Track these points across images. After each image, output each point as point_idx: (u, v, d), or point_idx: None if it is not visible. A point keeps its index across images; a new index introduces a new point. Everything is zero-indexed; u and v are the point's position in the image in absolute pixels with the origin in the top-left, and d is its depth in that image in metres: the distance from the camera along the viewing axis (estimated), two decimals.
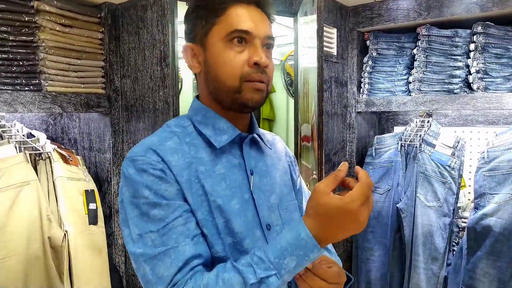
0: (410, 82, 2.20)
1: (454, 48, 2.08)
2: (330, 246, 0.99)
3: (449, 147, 2.13)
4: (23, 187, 1.37)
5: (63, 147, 1.76)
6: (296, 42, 2.01)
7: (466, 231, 2.02)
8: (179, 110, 1.59)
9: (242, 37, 0.78)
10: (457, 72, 2.07)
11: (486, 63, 1.99)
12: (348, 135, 2.40)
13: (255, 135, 0.87)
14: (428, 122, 2.23)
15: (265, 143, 0.90)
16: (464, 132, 2.33)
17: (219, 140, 0.81)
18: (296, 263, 0.66)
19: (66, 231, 1.44)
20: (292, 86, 2.48)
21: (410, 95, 2.21)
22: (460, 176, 2.13)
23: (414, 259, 2.09)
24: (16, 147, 1.46)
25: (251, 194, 0.81)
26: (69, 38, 1.62)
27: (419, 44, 2.15)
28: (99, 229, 1.57)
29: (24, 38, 1.49)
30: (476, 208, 2.00)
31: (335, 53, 2.23)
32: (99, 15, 1.74)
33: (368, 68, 2.33)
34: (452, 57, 2.09)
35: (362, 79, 2.36)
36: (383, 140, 2.33)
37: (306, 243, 0.65)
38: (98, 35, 1.73)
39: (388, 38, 2.28)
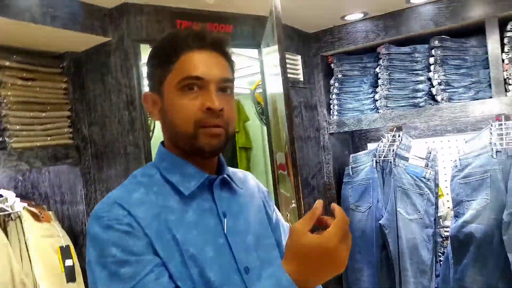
0: (377, 100, 2.25)
1: (415, 63, 2.16)
2: None
3: (422, 158, 2.18)
4: None
5: (33, 203, 1.69)
6: (263, 72, 2.04)
7: (449, 240, 2.04)
8: (151, 153, 1.56)
9: (194, 83, 0.78)
10: (420, 86, 2.14)
11: (447, 75, 2.07)
12: (323, 157, 2.42)
13: (225, 176, 0.85)
14: (399, 136, 2.27)
15: (235, 183, 0.88)
16: (435, 142, 2.39)
17: (187, 186, 0.79)
18: None
19: None
20: (263, 114, 2.50)
21: (378, 112, 2.26)
22: (437, 185, 2.17)
23: (403, 274, 2.09)
24: None
25: (226, 238, 0.79)
26: (32, 91, 1.59)
27: (381, 63, 2.22)
28: (79, 286, 1.50)
29: None
30: (456, 216, 2.03)
31: (302, 79, 2.27)
32: (61, 65, 1.72)
33: (335, 90, 2.38)
34: (414, 72, 2.16)
35: (331, 101, 2.41)
36: (358, 158, 2.36)
37: None
38: (61, 85, 1.71)
39: (351, 60, 2.35)
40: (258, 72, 2.70)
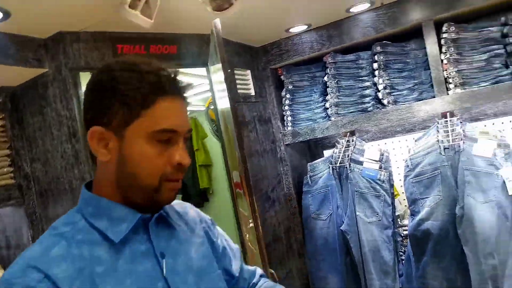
0: (328, 108, 2.29)
1: (360, 70, 2.22)
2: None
3: (375, 161, 2.23)
4: None
5: None
6: (212, 90, 2.02)
7: (408, 238, 2.10)
8: None
9: (167, 137, 0.73)
10: (367, 92, 2.20)
11: (391, 79, 2.13)
12: (282, 169, 2.42)
13: (162, 213, 0.80)
14: (353, 141, 2.32)
15: (173, 219, 0.83)
16: (387, 144, 2.46)
17: (117, 231, 0.72)
18: None
19: None
20: (218, 131, 2.48)
21: (330, 120, 2.30)
22: (392, 186, 2.22)
23: (368, 277, 2.12)
24: None
25: (165, 280, 0.74)
26: None
27: (328, 72, 2.26)
28: None
29: None
30: (412, 214, 2.08)
31: (253, 93, 2.28)
32: None
33: (287, 102, 2.40)
34: (360, 78, 2.22)
35: (284, 113, 2.43)
36: (315, 166, 2.39)
37: None
38: None
39: (300, 71, 2.38)
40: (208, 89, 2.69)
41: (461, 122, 2.03)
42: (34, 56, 1.55)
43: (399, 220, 2.31)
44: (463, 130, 1.99)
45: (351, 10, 2.03)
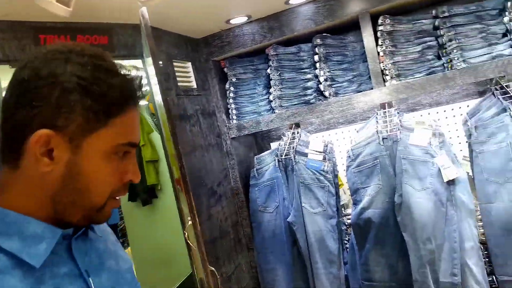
0: (272, 101, 2.28)
1: (301, 62, 2.22)
2: None
3: (319, 152, 2.25)
4: None
5: None
6: (149, 83, 1.94)
7: (352, 227, 2.14)
8: None
9: (127, 150, 0.65)
10: (309, 84, 2.21)
11: (331, 71, 2.15)
12: (228, 162, 2.39)
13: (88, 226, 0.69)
14: (298, 133, 2.33)
15: (93, 231, 0.73)
16: (331, 135, 2.49)
17: (34, 253, 0.58)
18: None
19: None
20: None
21: (274, 113, 2.29)
22: (336, 176, 2.26)
23: (314, 267, 2.15)
24: None
25: None
26: None
27: (271, 64, 2.24)
28: None
29: None
30: (355, 204, 2.13)
31: (195, 86, 2.22)
32: None
33: (231, 94, 2.36)
34: (302, 70, 2.22)
35: (228, 106, 2.38)
36: (262, 159, 2.37)
37: None
38: None
39: (243, 63, 2.35)
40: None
41: (398, 113, 2.09)
42: None
43: (343, 209, 2.36)
44: (400, 121, 2.05)
45: (290, 2, 2.01)
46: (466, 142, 1.98)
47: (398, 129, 2.02)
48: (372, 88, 2.06)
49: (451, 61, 1.93)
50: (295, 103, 2.25)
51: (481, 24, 1.91)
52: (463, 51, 1.91)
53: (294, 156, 2.23)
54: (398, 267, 2.03)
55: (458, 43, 1.91)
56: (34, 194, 0.61)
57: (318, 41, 2.14)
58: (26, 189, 0.61)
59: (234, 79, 2.35)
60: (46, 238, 0.60)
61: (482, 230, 1.95)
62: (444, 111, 2.23)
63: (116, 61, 0.66)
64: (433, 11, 1.96)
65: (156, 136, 3.16)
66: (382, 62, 2.03)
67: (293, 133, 2.32)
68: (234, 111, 2.37)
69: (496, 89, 1.94)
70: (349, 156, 2.14)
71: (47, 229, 0.61)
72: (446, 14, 1.92)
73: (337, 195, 2.23)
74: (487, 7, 1.90)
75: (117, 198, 0.67)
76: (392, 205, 2.00)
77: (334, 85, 2.15)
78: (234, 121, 2.37)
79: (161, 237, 2.84)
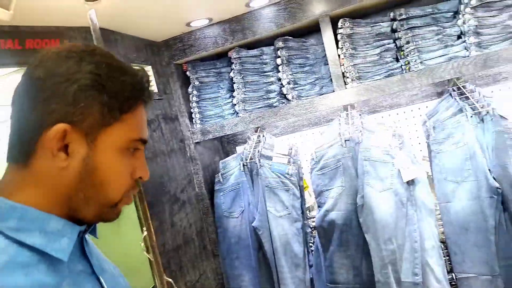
0: (235, 104, 2.26)
1: (264, 65, 2.21)
2: None
3: (284, 155, 2.24)
4: None
5: None
6: None
7: (316, 230, 2.14)
8: None
9: (139, 147, 0.67)
10: (272, 87, 2.20)
11: (293, 74, 2.15)
12: (192, 168, 2.35)
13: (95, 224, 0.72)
14: (263, 136, 2.31)
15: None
16: (296, 138, 2.49)
17: (59, 248, 0.60)
18: None
19: None
20: None
21: (238, 116, 2.27)
22: (301, 179, 2.25)
23: (280, 271, 2.13)
24: None
25: None
26: None
27: (234, 67, 2.22)
28: None
29: None
30: (319, 206, 2.13)
31: (156, 90, 2.17)
32: None
33: (194, 98, 2.32)
34: (264, 74, 2.21)
35: (191, 110, 2.35)
36: (227, 163, 2.35)
37: None
38: None
39: (205, 66, 2.32)
40: None
41: (360, 115, 2.11)
42: None
43: (308, 212, 2.36)
44: (362, 122, 2.07)
45: (251, 4, 2.00)
46: (426, 142, 2.02)
47: (360, 131, 2.04)
48: (333, 91, 2.07)
49: (408, 63, 1.96)
50: (259, 106, 2.24)
51: (437, 26, 1.95)
52: (420, 53, 1.95)
53: (259, 160, 2.22)
54: (361, 268, 2.04)
55: (415, 45, 1.95)
56: (48, 191, 0.62)
57: (280, 44, 2.13)
58: (40, 186, 0.62)
59: (197, 83, 2.31)
60: (66, 234, 0.62)
61: (442, 229, 1.98)
62: (404, 112, 2.27)
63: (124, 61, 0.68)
64: (391, 14, 1.99)
65: None
66: (343, 65, 2.04)
67: (258, 136, 2.31)
68: (197, 115, 2.33)
69: (454, 90, 1.98)
70: (313, 159, 2.14)
71: (66, 225, 0.63)
72: (404, 16, 1.95)
73: (302, 198, 2.23)
74: (442, 10, 1.94)
75: (129, 195, 0.68)
76: (355, 206, 2.01)
77: (296, 88, 2.15)
78: (198, 126, 2.34)
79: (125, 248, 2.77)
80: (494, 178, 1.80)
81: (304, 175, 2.31)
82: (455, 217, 1.89)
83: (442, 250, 1.97)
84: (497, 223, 1.81)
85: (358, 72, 2.01)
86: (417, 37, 1.96)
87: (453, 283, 1.94)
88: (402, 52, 1.99)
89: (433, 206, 1.95)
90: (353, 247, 2.03)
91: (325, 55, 2.10)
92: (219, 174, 2.34)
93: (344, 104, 2.06)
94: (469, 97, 1.91)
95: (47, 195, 0.62)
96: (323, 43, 2.08)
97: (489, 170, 1.81)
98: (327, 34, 2.03)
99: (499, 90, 2.14)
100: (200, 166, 2.35)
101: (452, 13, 1.96)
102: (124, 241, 2.83)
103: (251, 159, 2.26)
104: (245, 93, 2.22)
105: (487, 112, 1.84)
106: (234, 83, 2.24)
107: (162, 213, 1.99)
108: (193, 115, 2.35)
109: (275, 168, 2.20)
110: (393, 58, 2.03)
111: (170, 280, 1.40)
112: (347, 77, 2.04)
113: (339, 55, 2.05)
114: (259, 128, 2.31)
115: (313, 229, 2.29)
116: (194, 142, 2.34)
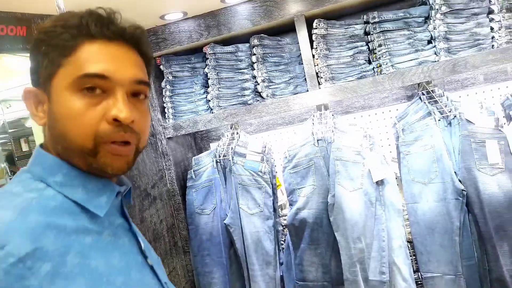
0: (209, 100, 2.24)
1: (239, 62, 2.20)
2: None
3: (258, 153, 2.24)
4: None
5: None
6: None
7: (287, 228, 2.15)
8: None
9: (95, 84, 0.63)
10: (247, 84, 2.19)
11: (268, 72, 2.15)
12: (164, 164, 2.32)
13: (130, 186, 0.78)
14: (237, 133, 2.30)
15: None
16: (270, 136, 2.49)
17: (97, 204, 0.66)
18: None
19: None
20: None
21: (212, 113, 2.25)
22: (274, 177, 2.26)
23: (250, 268, 2.13)
24: None
25: (143, 255, 0.72)
26: None
27: (208, 63, 2.20)
28: None
29: None
30: (291, 204, 2.14)
31: None
32: None
33: (168, 93, 2.29)
34: (239, 71, 2.20)
35: (164, 104, 2.31)
36: (200, 160, 2.32)
37: None
38: None
39: (180, 61, 2.28)
40: None
41: (333, 115, 2.13)
42: None
43: (280, 210, 2.37)
44: (334, 123, 2.09)
45: (226, 0, 1.98)
46: (395, 144, 2.06)
47: (332, 131, 2.06)
48: (307, 90, 2.09)
49: (380, 66, 1.99)
50: (234, 103, 2.22)
51: (409, 31, 1.99)
52: (391, 56, 1.98)
53: (233, 157, 2.21)
54: (331, 266, 2.07)
55: (387, 48, 1.98)
56: (52, 150, 0.68)
57: (256, 41, 2.13)
58: (53, 148, 0.68)
59: (170, 77, 2.28)
60: (105, 192, 0.68)
61: (409, 229, 2.03)
62: (376, 114, 2.31)
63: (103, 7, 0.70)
64: (364, 17, 2.02)
65: None
66: (317, 65, 2.06)
67: (233, 133, 2.30)
68: (170, 110, 2.30)
69: (423, 94, 2.03)
70: (286, 157, 2.15)
71: (106, 184, 0.68)
72: (377, 19, 1.98)
73: (275, 195, 2.23)
74: (413, 14, 1.98)
75: (114, 143, 0.65)
76: (326, 205, 2.03)
77: (271, 86, 2.15)
78: (171, 121, 2.30)
79: None
80: (459, 181, 1.86)
81: (277, 173, 2.32)
82: (422, 217, 1.94)
83: (409, 249, 2.02)
84: (462, 224, 1.87)
85: (331, 73, 2.03)
86: (389, 40, 1.99)
87: (419, 282, 1.99)
88: (374, 55, 2.03)
89: (401, 207, 1.99)
90: (323, 245, 2.06)
91: (300, 54, 2.11)
92: (192, 170, 2.32)
93: (317, 104, 2.08)
94: (438, 101, 1.96)
95: (57, 152, 0.67)
96: (298, 43, 2.09)
97: (455, 172, 1.87)
98: (302, 33, 2.04)
99: (467, 95, 2.22)
100: (172, 162, 2.32)
101: (423, 18, 2.00)
102: None
103: (224, 156, 2.25)
104: (219, 89, 2.21)
105: (455, 116, 1.90)
106: (209, 79, 2.22)
107: (132, 208, 1.95)
108: (165, 110, 2.32)
109: (248, 166, 2.20)
110: (366, 61, 2.06)
111: None
112: (321, 77, 2.06)
113: (313, 55, 2.06)
114: (233, 125, 2.30)
115: (284, 227, 2.30)
116: (166, 137, 2.30)
